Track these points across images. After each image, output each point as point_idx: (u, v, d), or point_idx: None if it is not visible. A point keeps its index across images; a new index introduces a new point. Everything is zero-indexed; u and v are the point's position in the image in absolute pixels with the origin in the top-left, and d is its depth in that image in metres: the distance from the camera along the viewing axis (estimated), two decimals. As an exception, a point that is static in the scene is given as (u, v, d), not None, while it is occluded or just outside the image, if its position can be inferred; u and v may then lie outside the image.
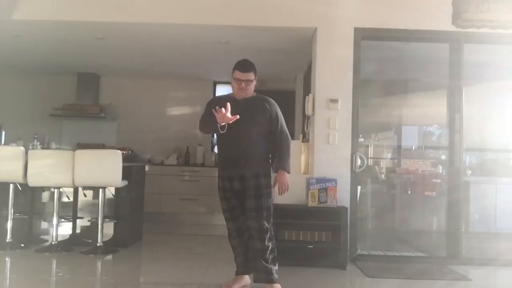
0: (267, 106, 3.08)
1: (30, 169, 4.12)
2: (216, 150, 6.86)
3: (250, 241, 3.06)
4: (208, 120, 3.03)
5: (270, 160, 3.16)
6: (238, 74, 3.03)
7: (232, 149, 3.06)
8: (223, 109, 2.83)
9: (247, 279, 3.18)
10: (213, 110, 2.89)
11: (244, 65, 3.05)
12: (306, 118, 4.65)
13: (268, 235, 3.00)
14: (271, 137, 3.11)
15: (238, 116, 2.87)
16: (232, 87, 3.13)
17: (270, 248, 3.00)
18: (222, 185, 3.18)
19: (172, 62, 5.99)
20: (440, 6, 4.21)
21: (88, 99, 6.71)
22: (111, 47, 5.32)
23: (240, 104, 3.02)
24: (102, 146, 6.57)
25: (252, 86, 3.09)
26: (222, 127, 2.91)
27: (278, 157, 3.11)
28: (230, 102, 2.94)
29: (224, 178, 3.16)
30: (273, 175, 3.15)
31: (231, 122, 2.87)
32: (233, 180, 3.09)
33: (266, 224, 2.99)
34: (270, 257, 3.00)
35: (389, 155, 6.03)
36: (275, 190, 3.15)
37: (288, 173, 3.12)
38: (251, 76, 3.05)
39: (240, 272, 3.18)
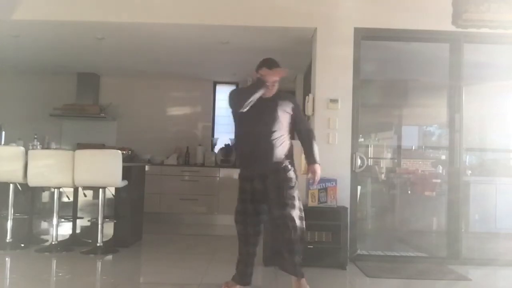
0: (292, 102, 3.15)
1: (30, 169, 4.12)
2: (216, 149, 6.87)
3: (277, 231, 2.94)
4: (248, 89, 3.07)
5: (291, 156, 3.14)
6: (268, 73, 3.04)
7: (254, 144, 3.03)
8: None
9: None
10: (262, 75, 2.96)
11: (274, 63, 3.09)
12: (306, 118, 4.64)
13: (295, 224, 2.89)
14: (298, 133, 3.19)
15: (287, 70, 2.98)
16: None
17: (300, 239, 2.91)
18: (242, 186, 3.12)
19: (172, 62, 5.99)
20: (440, 6, 4.21)
21: (88, 99, 6.72)
22: (111, 47, 5.32)
23: (263, 101, 3.03)
24: (102, 146, 6.57)
25: (276, 86, 3.12)
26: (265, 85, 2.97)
27: (310, 150, 3.17)
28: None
29: (245, 178, 3.10)
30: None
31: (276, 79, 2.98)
32: (253, 180, 3.04)
33: (292, 214, 2.89)
34: (296, 250, 2.90)
35: (389, 155, 6.03)
36: (309, 179, 3.19)
37: (319, 164, 3.16)
38: (281, 73, 3.09)
39: (236, 281, 3.09)
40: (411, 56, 4.97)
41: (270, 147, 3.01)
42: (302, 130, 3.20)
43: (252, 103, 2.97)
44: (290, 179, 3.03)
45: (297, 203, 2.98)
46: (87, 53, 5.63)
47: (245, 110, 2.99)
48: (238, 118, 3.12)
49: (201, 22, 4.28)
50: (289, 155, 3.12)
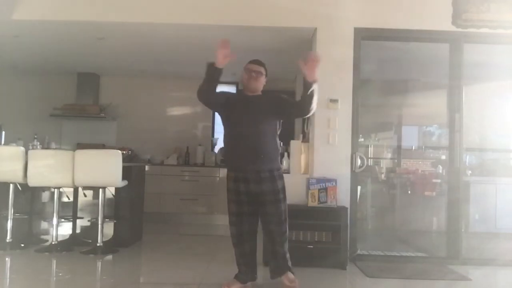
0: (276, 96, 3.17)
1: (30, 169, 4.12)
2: (216, 149, 6.87)
3: (275, 245, 3.12)
4: (204, 80, 3.01)
5: (281, 155, 3.21)
6: (249, 66, 3.17)
7: (245, 143, 3.01)
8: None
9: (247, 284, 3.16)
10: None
11: (255, 59, 3.21)
12: (306, 118, 4.64)
13: (286, 237, 3.13)
14: (296, 106, 3.16)
15: (236, 55, 2.89)
16: (243, 80, 3.19)
17: (287, 248, 3.15)
18: (235, 187, 3.06)
19: (172, 62, 5.99)
20: (440, 6, 4.21)
21: (88, 99, 6.72)
22: (111, 47, 5.32)
23: (251, 99, 3.11)
24: (102, 146, 6.57)
25: (262, 81, 3.17)
26: (217, 66, 2.93)
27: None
28: (240, 99, 3.12)
29: (237, 179, 3.05)
30: (285, 176, 3.22)
31: (226, 60, 2.91)
32: (249, 182, 3.02)
33: (285, 227, 3.10)
34: (287, 256, 3.16)
35: (389, 155, 6.02)
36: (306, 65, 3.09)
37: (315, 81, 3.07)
38: (261, 69, 3.17)
39: (242, 280, 3.13)
40: (411, 56, 4.97)
41: (261, 145, 3.02)
42: (294, 101, 3.27)
43: (211, 91, 3.01)
44: (284, 190, 3.11)
45: (286, 214, 3.11)
46: (87, 53, 5.63)
47: (214, 104, 3.11)
48: (226, 118, 3.15)
49: (201, 22, 4.28)
50: (278, 154, 3.17)
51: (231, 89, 7.03)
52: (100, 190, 4.19)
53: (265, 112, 3.06)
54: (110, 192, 4.35)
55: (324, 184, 3.87)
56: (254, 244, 3.16)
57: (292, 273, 3.14)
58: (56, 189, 4.24)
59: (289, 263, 3.16)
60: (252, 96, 3.14)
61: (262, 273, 3.34)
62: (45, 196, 4.83)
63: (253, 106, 3.07)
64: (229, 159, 3.17)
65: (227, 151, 3.20)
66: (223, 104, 3.14)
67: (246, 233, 3.11)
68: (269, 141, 3.06)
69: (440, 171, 5.17)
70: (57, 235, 4.21)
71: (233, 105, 3.13)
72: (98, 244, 4.13)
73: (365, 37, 4.23)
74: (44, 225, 4.95)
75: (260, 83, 3.17)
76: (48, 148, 5.55)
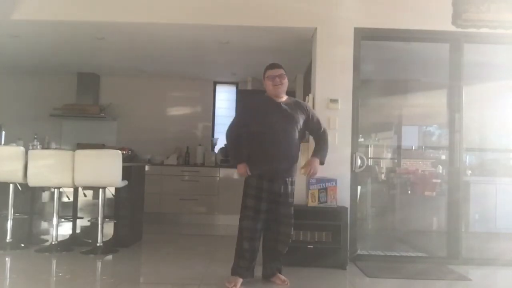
0: (306, 108, 3.32)
1: (30, 169, 4.12)
2: (216, 149, 6.86)
3: (279, 245, 3.25)
4: (236, 145, 3.28)
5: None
6: (270, 72, 3.22)
7: (278, 145, 3.13)
8: (248, 171, 3.16)
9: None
10: (241, 165, 3.19)
11: (272, 64, 3.27)
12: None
13: (290, 240, 3.31)
14: (314, 134, 3.40)
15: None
16: (268, 88, 3.24)
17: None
18: (259, 184, 3.16)
19: (172, 62, 5.99)
20: (440, 6, 4.21)
21: (88, 99, 6.72)
22: (111, 47, 5.32)
23: (282, 105, 3.21)
24: (102, 146, 6.56)
25: (286, 83, 3.24)
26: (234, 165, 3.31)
27: (318, 147, 3.33)
28: (271, 104, 3.19)
29: (262, 177, 3.16)
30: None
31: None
32: (274, 181, 3.15)
33: (291, 232, 3.30)
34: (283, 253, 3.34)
35: (389, 155, 6.02)
36: (303, 170, 3.32)
37: (322, 164, 3.31)
38: (282, 71, 3.23)
39: (242, 275, 3.16)
40: (411, 56, 4.97)
41: (291, 148, 3.18)
42: (318, 130, 3.36)
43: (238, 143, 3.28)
44: (293, 195, 3.29)
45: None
46: (87, 53, 5.63)
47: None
48: (257, 118, 3.20)
49: (201, 22, 4.28)
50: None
51: (228, 89, 7.05)
52: (100, 190, 4.19)
53: (298, 121, 3.22)
54: (110, 192, 4.34)
55: (324, 184, 3.87)
56: (259, 244, 3.24)
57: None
58: (56, 189, 4.24)
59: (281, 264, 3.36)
60: (283, 103, 3.23)
61: (261, 273, 3.35)
62: (45, 196, 4.84)
63: (287, 114, 3.19)
64: (259, 161, 3.18)
65: (257, 154, 3.20)
66: (250, 121, 3.23)
67: (259, 230, 3.18)
68: (295, 147, 3.22)
69: (440, 171, 5.16)
70: (57, 235, 4.21)
71: (265, 111, 3.20)
72: (98, 244, 4.13)
73: (365, 37, 4.23)
74: (44, 225, 4.96)
75: (285, 86, 3.25)
76: (48, 148, 5.55)
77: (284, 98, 3.27)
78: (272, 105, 3.21)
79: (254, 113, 3.23)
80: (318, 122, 3.36)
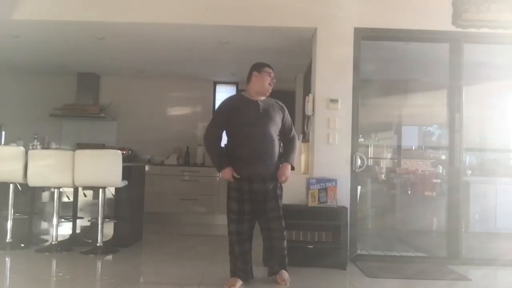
0: (282, 108, 3.30)
1: (30, 169, 4.12)
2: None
3: (274, 241, 3.22)
4: (216, 149, 3.20)
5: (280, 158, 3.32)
6: (268, 69, 3.24)
7: (257, 146, 3.12)
8: (235, 174, 3.10)
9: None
10: (225, 169, 3.11)
11: (267, 63, 3.29)
12: (306, 118, 4.64)
13: (285, 234, 3.25)
14: (283, 137, 3.30)
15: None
16: (258, 84, 3.22)
17: (285, 245, 3.27)
18: (239, 186, 3.15)
19: (172, 62, 5.99)
20: (440, 6, 4.21)
21: (88, 99, 6.72)
22: (111, 47, 5.32)
23: (260, 105, 3.20)
24: (102, 146, 6.57)
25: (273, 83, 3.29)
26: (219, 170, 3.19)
27: (288, 153, 3.30)
28: (248, 103, 3.18)
29: (241, 178, 3.14)
30: None
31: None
32: (253, 181, 3.13)
33: (283, 224, 3.21)
34: (285, 253, 3.27)
35: (389, 155, 6.02)
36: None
37: (293, 168, 3.28)
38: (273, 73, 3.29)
39: (241, 278, 3.15)
40: (411, 56, 4.97)
41: (271, 148, 3.16)
42: (288, 132, 3.34)
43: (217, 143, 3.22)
44: (281, 188, 3.27)
45: (282, 212, 3.25)
46: (87, 53, 5.63)
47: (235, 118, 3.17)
48: (233, 118, 3.17)
49: (201, 22, 4.28)
50: (280, 157, 3.28)
51: (228, 89, 7.04)
52: (100, 190, 4.19)
53: (275, 120, 3.21)
54: (110, 192, 4.34)
55: (324, 184, 3.87)
56: (251, 244, 3.22)
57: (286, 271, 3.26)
58: (56, 189, 4.24)
59: (286, 262, 3.26)
60: (261, 102, 3.22)
61: (262, 273, 3.35)
62: (45, 196, 4.84)
63: (264, 113, 3.17)
64: (236, 161, 3.16)
65: (234, 153, 3.18)
66: (227, 122, 3.20)
67: (246, 232, 3.16)
68: (276, 146, 3.20)
69: (440, 171, 5.16)
70: (57, 235, 4.21)
71: (242, 110, 3.18)
72: (98, 244, 4.13)
73: (365, 37, 4.23)
74: (44, 225, 4.95)
75: (270, 88, 3.29)
76: (48, 148, 5.56)
77: (263, 97, 3.27)
78: (249, 105, 3.19)
79: (230, 113, 3.18)
80: (289, 127, 3.33)
